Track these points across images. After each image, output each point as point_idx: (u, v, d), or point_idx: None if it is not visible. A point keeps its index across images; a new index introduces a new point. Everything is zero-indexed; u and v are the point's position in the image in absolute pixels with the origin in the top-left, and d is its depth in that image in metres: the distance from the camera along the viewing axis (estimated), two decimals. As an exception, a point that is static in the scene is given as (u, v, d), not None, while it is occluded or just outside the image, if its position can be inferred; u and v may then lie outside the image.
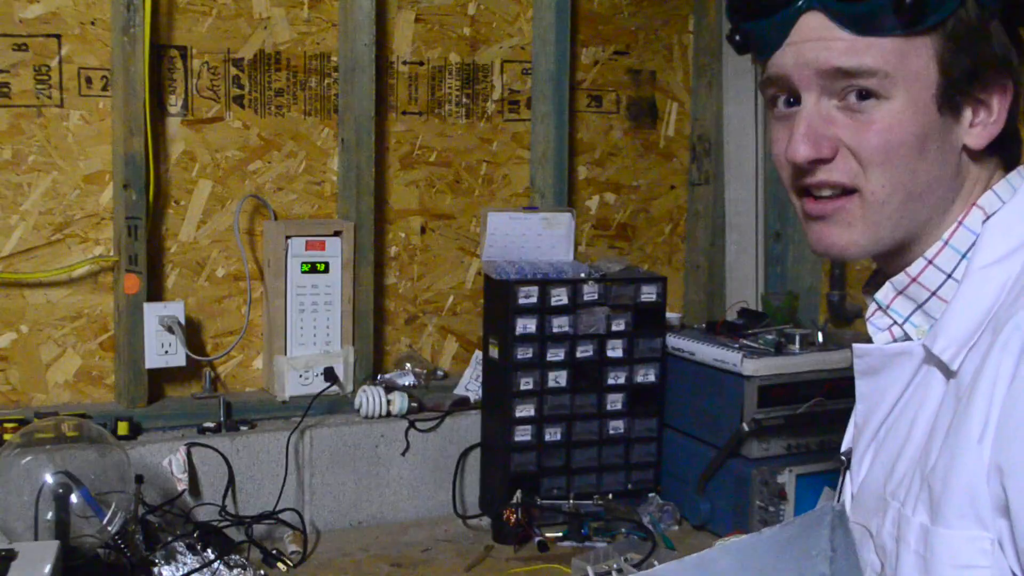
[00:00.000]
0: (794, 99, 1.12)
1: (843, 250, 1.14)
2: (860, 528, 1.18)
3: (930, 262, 1.13)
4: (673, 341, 2.43)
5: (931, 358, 1.12)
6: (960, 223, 1.12)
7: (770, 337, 2.34)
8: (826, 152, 1.09)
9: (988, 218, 1.12)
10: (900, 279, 1.15)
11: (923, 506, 1.08)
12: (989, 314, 1.07)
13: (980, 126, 1.10)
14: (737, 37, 1.17)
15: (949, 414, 1.08)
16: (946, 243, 1.12)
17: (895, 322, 1.18)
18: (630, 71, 2.80)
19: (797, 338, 2.33)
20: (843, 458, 1.28)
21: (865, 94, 1.07)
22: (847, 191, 1.11)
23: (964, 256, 1.12)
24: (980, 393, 1.03)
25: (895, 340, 1.19)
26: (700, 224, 2.89)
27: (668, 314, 2.49)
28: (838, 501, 1.26)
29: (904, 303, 1.17)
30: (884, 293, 1.18)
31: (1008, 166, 1.15)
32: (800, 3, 1.08)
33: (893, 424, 1.18)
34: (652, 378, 2.41)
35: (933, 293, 1.14)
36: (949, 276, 1.12)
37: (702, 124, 2.86)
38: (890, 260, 1.17)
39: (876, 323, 1.20)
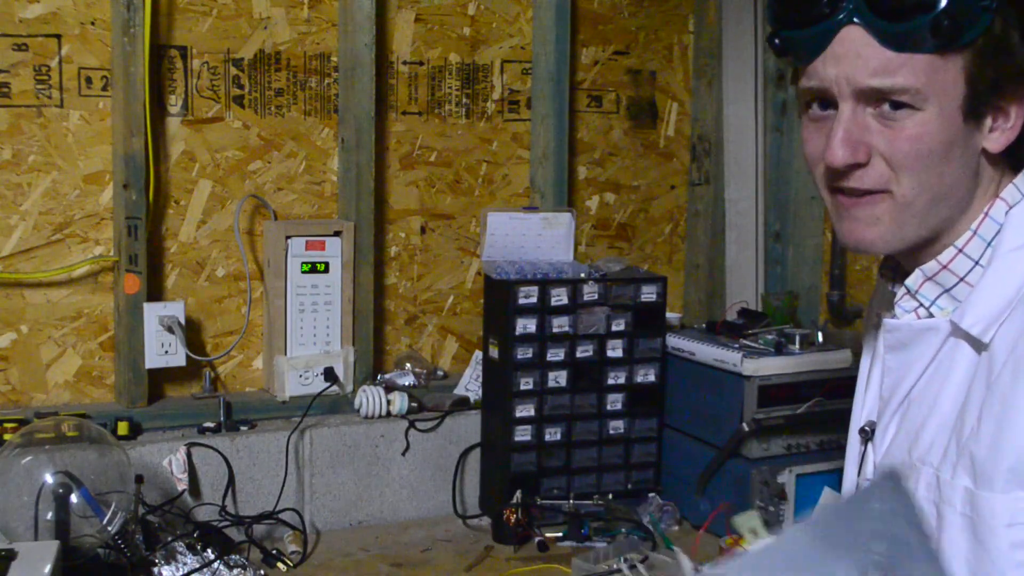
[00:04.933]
0: (828, 103, 1.19)
1: (871, 244, 1.22)
2: None
3: (960, 250, 1.22)
4: (673, 341, 2.43)
5: (958, 332, 1.22)
6: (987, 214, 1.21)
7: (770, 337, 2.34)
8: (862, 157, 1.16)
9: (1011, 208, 1.21)
10: (931, 266, 1.24)
11: (964, 471, 1.17)
12: (1019, 293, 1.18)
13: (999, 132, 1.18)
14: (776, 42, 1.23)
15: (983, 385, 1.17)
16: (975, 233, 1.21)
17: (921, 304, 1.27)
18: (630, 71, 2.80)
19: (797, 338, 2.33)
20: (866, 430, 1.36)
21: (898, 104, 1.14)
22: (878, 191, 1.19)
23: (989, 244, 1.21)
24: None
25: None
26: (700, 224, 2.89)
27: (668, 314, 2.49)
28: (860, 472, 1.36)
29: (932, 288, 1.25)
30: (914, 279, 1.26)
31: (1016, 167, 1.24)
32: (841, 16, 1.14)
33: (918, 395, 1.28)
34: (652, 378, 2.41)
35: (961, 279, 1.23)
36: (976, 263, 1.22)
37: (702, 124, 2.86)
38: (908, 255, 1.26)
39: (904, 306, 1.29)
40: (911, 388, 1.29)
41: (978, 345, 1.20)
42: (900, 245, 1.23)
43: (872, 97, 1.15)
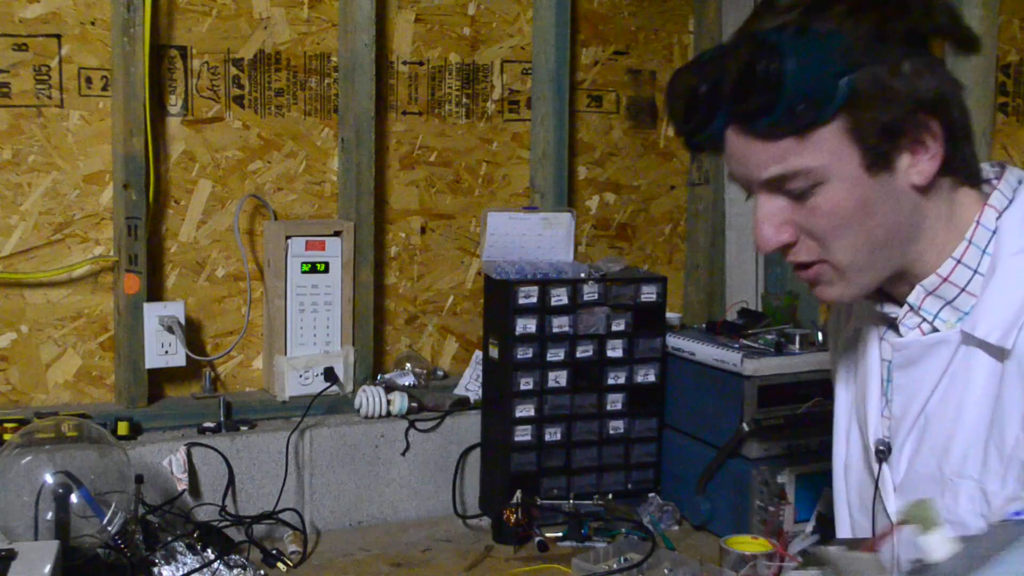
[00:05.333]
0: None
1: (839, 299, 1.28)
2: None
3: (959, 261, 1.23)
4: (673, 341, 2.43)
5: (970, 342, 1.22)
6: (978, 223, 1.22)
7: (770, 337, 2.34)
8: (787, 238, 1.21)
9: (1001, 214, 1.22)
10: (931, 280, 1.24)
11: (1015, 480, 1.17)
12: None
13: (921, 164, 1.17)
14: (688, 144, 1.28)
15: (1019, 391, 1.17)
16: (970, 242, 1.22)
17: (924, 320, 1.27)
18: (630, 71, 2.80)
19: (797, 338, 2.33)
20: (881, 449, 1.35)
21: (803, 192, 1.17)
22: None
23: (985, 251, 1.22)
24: None
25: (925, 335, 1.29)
26: (700, 224, 2.89)
27: (668, 314, 2.49)
28: (876, 492, 1.35)
29: (933, 302, 1.26)
30: (916, 295, 1.27)
31: (969, 174, 1.24)
32: (716, 123, 1.19)
33: (935, 410, 1.27)
34: (652, 378, 2.41)
35: (963, 289, 1.23)
36: (975, 271, 1.22)
37: (702, 124, 2.85)
38: (891, 285, 1.28)
39: (907, 323, 1.29)
40: (925, 403, 1.28)
41: (998, 352, 1.19)
42: (867, 290, 1.26)
43: (776, 185, 1.18)
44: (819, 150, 1.14)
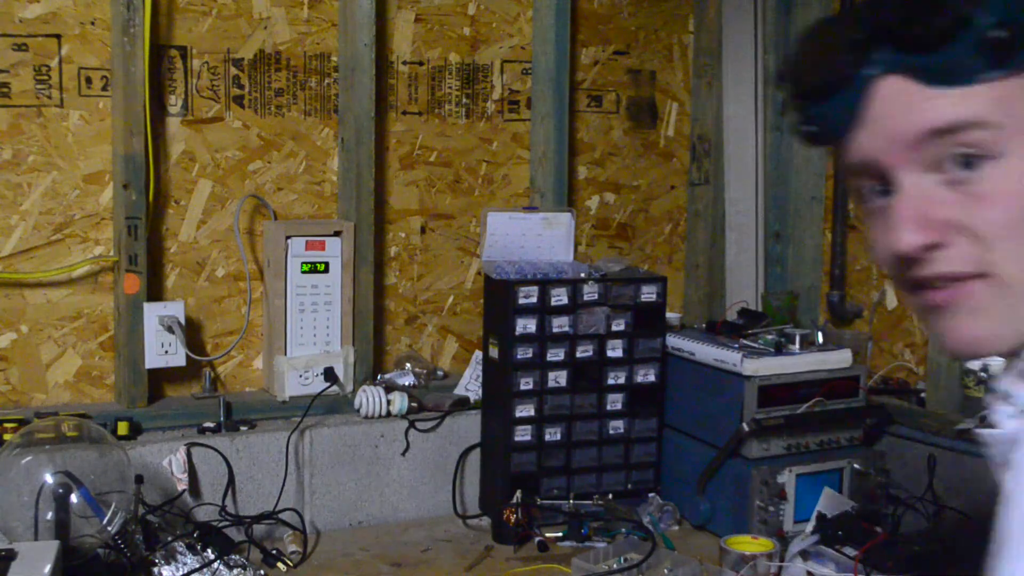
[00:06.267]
0: (887, 186, 0.94)
1: (983, 344, 0.93)
2: None
3: None
4: (673, 341, 2.43)
5: None
6: None
7: (770, 337, 2.35)
8: (936, 236, 0.90)
9: None
10: None
11: None
12: None
13: None
14: (803, 127, 0.98)
15: None
16: None
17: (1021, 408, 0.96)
18: (630, 71, 2.80)
19: (797, 338, 2.33)
20: None
21: (971, 160, 0.88)
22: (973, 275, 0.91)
23: None
24: None
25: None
26: (700, 224, 2.89)
27: (668, 314, 2.49)
28: None
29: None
30: (1008, 379, 0.96)
31: None
32: (869, 70, 0.90)
33: None
34: (652, 378, 2.41)
35: None
36: None
37: (702, 124, 2.86)
38: None
39: (1003, 412, 0.98)
40: None
41: None
42: (1015, 345, 0.92)
43: (937, 155, 0.90)
44: (1008, 106, 0.87)
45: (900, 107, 0.90)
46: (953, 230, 0.90)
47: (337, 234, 2.38)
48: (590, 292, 2.34)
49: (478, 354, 2.49)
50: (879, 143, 0.92)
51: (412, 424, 2.37)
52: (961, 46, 0.87)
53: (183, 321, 2.26)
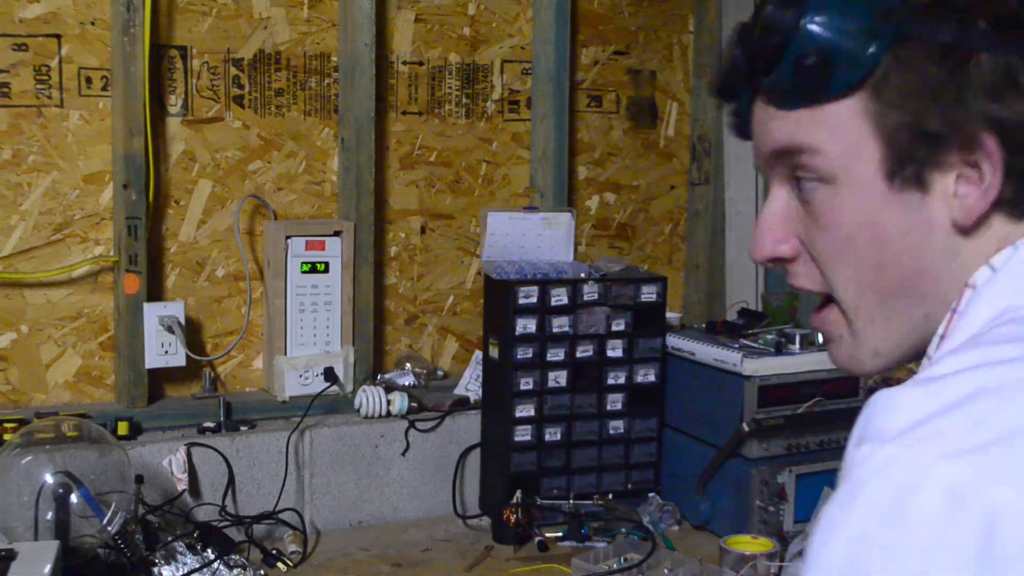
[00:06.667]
0: None
1: (852, 366, 0.93)
2: None
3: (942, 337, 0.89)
4: (673, 341, 2.43)
5: None
6: (954, 311, 0.86)
7: (770, 337, 2.34)
8: (784, 250, 0.92)
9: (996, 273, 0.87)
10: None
11: None
12: None
13: (967, 196, 0.84)
14: (728, 120, 1.00)
15: None
16: (953, 312, 0.87)
17: None
18: (630, 71, 2.80)
19: (797, 338, 2.33)
20: None
21: (808, 183, 0.89)
22: (830, 299, 0.92)
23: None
24: None
25: None
26: (700, 224, 2.89)
27: (668, 314, 2.49)
28: None
29: None
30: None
31: None
32: (746, 91, 0.93)
33: None
34: (652, 378, 2.41)
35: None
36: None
37: (702, 124, 2.86)
38: None
39: None
40: None
41: None
42: (888, 361, 0.91)
43: (786, 173, 0.91)
44: (833, 133, 0.86)
45: (759, 124, 0.92)
46: (803, 247, 0.92)
47: (337, 234, 2.38)
48: (590, 292, 2.34)
49: (478, 354, 2.49)
50: (755, 155, 0.95)
51: (412, 424, 2.37)
52: (785, 70, 0.87)
53: (183, 321, 2.26)
